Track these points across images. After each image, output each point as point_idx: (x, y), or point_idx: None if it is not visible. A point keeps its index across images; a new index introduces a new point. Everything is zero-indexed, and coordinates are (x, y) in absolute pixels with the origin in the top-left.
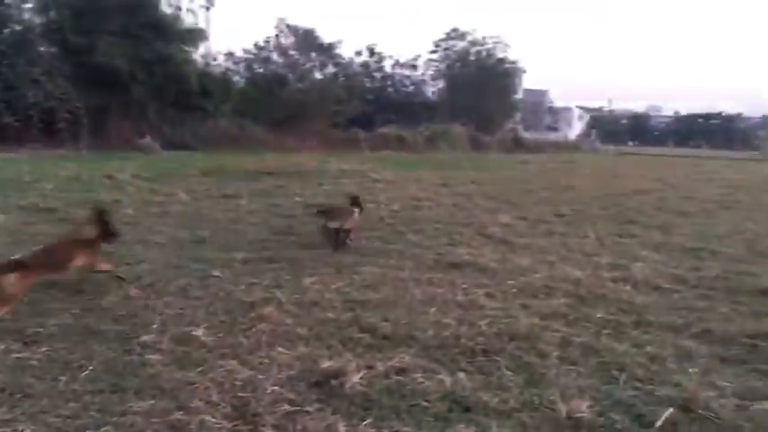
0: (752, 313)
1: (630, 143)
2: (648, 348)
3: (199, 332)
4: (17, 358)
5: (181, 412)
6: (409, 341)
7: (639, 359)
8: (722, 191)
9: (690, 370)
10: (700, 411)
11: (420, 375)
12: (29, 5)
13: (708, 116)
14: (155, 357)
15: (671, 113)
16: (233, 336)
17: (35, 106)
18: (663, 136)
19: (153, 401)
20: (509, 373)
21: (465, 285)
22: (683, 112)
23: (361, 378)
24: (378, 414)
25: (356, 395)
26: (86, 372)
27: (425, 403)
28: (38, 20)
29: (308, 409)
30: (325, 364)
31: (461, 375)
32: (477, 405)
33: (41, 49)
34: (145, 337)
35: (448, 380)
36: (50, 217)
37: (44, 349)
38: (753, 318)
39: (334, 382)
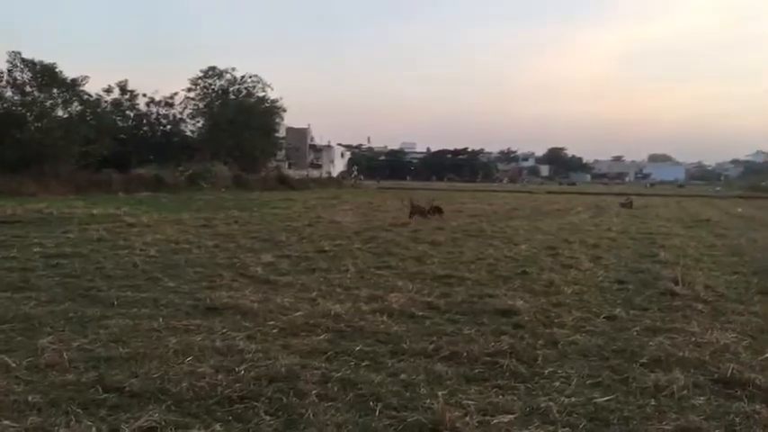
0: (492, 332)
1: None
2: (403, 376)
3: None
4: None
5: None
6: (160, 396)
7: (394, 387)
8: (468, 221)
9: (439, 393)
10: None
11: None
12: None
13: (455, 152)
14: None
15: (424, 150)
16: None
17: None
18: (417, 171)
19: None
20: (267, 417)
21: (224, 330)
22: (434, 148)
23: None
24: None
25: None
26: None
27: None
28: None
29: None
30: None
31: (217, 427)
32: None
33: None
34: None
35: None
36: None
37: None
38: (493, 337)
39: None
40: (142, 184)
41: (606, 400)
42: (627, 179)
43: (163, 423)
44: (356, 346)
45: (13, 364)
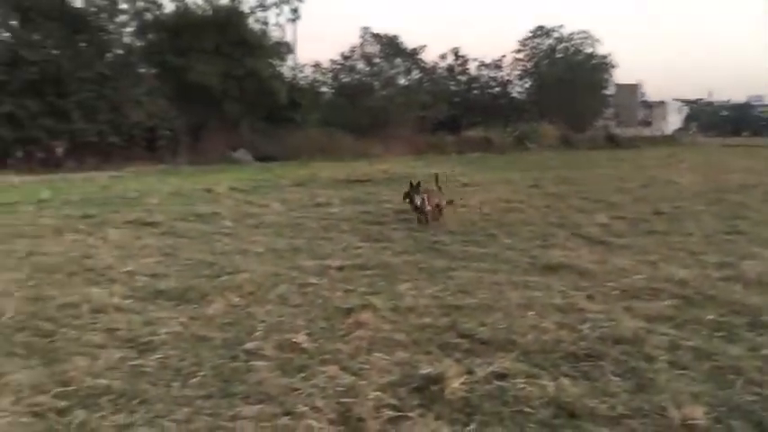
0: None
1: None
2: (765, 351)
3: (300, 338)
4: (132, 365)
5: (287, 417)
6: (508, 346)
7: (756, 363)
8: None
9: None
10: None
11: (521, 381)
12: (129, 30)
13: None
14: (260, 364)
15: None
16: (332, 342)
17: (138, 126)
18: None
19: (260, 406)
20: (615, 378)
21: (563, 288)
22: None
23: (461, 383)
24: (481, 420)
25: (457, 401)
26: (197, 378)
27: (529, 409)
28: (138, 43)
29: (410, 414)
30: (425, 369)
31: (565, 381)
32: (584, 411)
33: (142, 70)
34: (249, 345)
35: (551, 385)
36: (155, 230)
37: (157, 356)
38: None
39: (434, 387)
40: (472, 146)
41: None
42: None
43: (513, 371)
44: (707, 315)
45: (380, 305)
